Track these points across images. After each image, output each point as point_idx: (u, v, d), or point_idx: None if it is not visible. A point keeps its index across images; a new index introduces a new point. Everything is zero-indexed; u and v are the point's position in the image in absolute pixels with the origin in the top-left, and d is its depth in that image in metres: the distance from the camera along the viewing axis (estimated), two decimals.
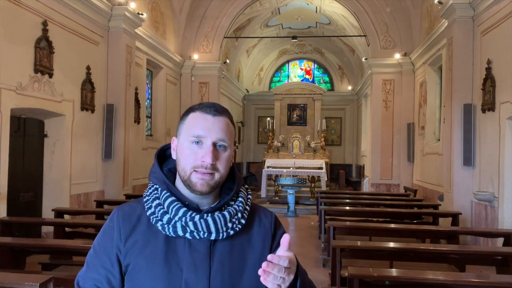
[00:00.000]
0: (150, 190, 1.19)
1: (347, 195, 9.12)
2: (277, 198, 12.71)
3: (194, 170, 1.11)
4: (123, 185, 8.19)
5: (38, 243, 4.19)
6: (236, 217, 1.15)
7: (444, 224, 6.79)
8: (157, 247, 1.11)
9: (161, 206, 1.13)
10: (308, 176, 12.63)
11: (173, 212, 1.11)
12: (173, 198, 1.13)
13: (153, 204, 1.14)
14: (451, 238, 5.00)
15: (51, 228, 5.67)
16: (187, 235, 1.10)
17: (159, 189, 1.17)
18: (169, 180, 1.17)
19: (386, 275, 2.94)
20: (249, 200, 1.22)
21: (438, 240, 5.52)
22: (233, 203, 1.18)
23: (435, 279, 2.87)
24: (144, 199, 1.18)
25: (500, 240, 5.02)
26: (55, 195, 6.64)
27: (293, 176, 12.00)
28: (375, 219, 6.29)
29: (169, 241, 1.12)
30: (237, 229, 1.14)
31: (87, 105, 7.32)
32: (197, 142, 1.12)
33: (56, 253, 4.38)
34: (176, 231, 1.10)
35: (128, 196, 7.58)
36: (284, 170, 12.48)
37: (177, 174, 1.18)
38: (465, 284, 2.84)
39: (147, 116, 10.42)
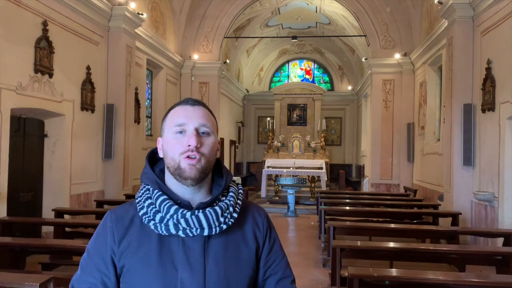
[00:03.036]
0: (142, 191, 1.20)
1: (347, 195, 9.11)
2: (277, 198, 12.71)
3: (183, 157, 1.13)
4: (123, 185, 8.19)
5: (38, 243, 4.19)
6: (227, 211, 1.15)
7: (444, 224, 6.79)
8: (151, 248, 1.11)
9: (153, 205, 1.14)
10: (308, 176, 12.64)
11: (164, 210, 1.11)
12: (165, 196, 1.14)
13: (145, 204, 1.15)
14: (451, 238, 5.00)
15: (51, 228, 5.68)
16: (180, 233, 1.10)
17: (151, 189, 1.17)
18: (160, 180, 1.18)
19: (386, 275, 2.94)
20: (240, 194, 1.23)
21: (438, 240, 5.52)
22: (224, 198, 1.19)
23: (435, 279, 2.87)
24: (137, 200, 1.19)
25: (500, 240, 5.03)
26: (55, 195, 6.64)
27: (293, 176, 12.00)
28: (375, 219, 6.29)
29: (162, 240, 1.12)
30: (230, 223, 1.15)
31: (87, 105, 7.32)
32: (181, 132, 1.15)
33: (56, 253, 4.37)
34: (169, 229, 1.10)
35: (128, 196, 7.57)
36: (284, 170, 12.49)
37: (166, 171, 1.19)
38: (465, 284, 2.84)
39: (147, 116, 10.42)
